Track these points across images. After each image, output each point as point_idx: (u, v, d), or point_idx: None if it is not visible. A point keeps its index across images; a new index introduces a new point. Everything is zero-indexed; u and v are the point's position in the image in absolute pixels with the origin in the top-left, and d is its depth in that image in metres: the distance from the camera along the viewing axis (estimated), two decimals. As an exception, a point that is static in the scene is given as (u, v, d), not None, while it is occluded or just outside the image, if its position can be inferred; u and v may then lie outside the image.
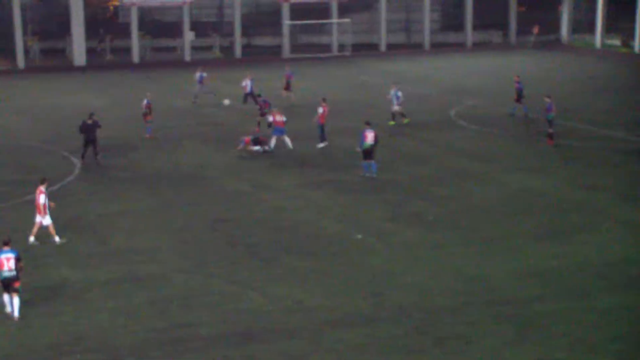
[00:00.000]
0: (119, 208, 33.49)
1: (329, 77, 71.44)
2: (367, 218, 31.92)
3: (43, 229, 29.25)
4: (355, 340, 21.84)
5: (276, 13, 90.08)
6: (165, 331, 22.47)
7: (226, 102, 53.63)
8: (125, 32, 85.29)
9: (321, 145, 43.41)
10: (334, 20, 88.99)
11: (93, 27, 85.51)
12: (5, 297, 23.31)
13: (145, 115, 46.04)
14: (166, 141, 45.10)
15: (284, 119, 42.56)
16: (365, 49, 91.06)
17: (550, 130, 43.00)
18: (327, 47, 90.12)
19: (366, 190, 35.69)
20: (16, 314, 23.08)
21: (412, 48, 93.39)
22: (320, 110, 43.69)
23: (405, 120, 48.76)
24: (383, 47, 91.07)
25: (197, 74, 58.07)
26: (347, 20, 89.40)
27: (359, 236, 29.75)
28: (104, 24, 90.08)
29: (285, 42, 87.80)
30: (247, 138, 42.26)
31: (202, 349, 21.48)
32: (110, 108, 55.69)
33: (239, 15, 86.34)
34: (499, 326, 22.52)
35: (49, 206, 29.21)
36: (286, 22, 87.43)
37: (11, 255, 23.25)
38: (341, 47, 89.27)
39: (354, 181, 37.10)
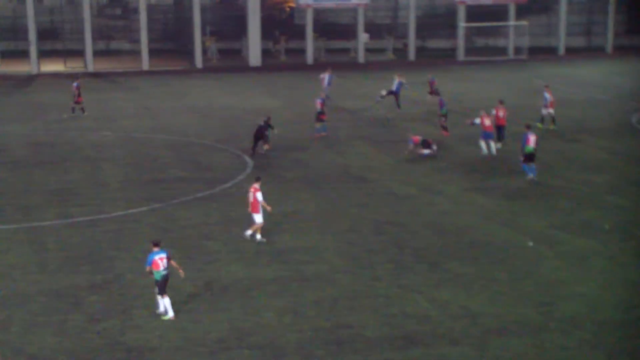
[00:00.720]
0: (287, 208, 33.81)
1: (502, 81, 70.24)
2: (536, 225, 31.16)
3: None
4: (522, 350, 21.31)
5: (452, 15, 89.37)
6: (330, 331, 22.49)
7: (383, 92, 54.21)
8: (300, 33, 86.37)
9: (498, 145, 43.04)
10: (511, 22, 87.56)
11: (269, 28, 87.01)
12: (159, 298, 23.74)
13: (320, 114, 46.51)
14: (335, 142, 45.32)
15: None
16: (542, 52, 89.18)
17: None
18: (502, 50, 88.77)
19: (536, 197, 34.89)
20: (171, 313, 23.52)
21: (593, 52, 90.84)
22: (494, 112, 43.29)
23: (552, 127, 47.28)
24: (562, 51, 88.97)
25: (327, 75, 58.27)
26: (524, 22, 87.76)
27: (530, 243, 29.05)
28: (280, 26, 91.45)
29: (460, 44, 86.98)
30: (416, 137, 42.00)
31: (366, 351, 21.40)
32: (282, 109, 56.50)
33: (414, 17, 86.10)
34: (675, 343, 21.57)
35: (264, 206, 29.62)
36: (462, 24, 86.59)
37: (164, 255, 23.75)
38: (517, 50, 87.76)
39: (522, 187, 36.34)
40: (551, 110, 47.59)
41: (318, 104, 46.94)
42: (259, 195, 29.37)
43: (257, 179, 30.23)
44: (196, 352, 21.48)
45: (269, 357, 21.25)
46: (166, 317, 23.44)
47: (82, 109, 54.18)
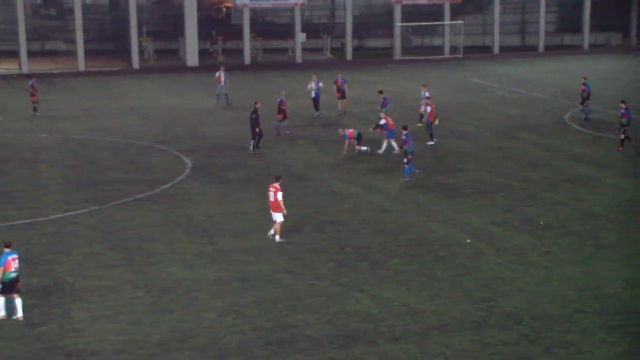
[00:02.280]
0: (229, 208, 33.75)
1: (439, 80, 70.83)
2: (476, 222, 31.47)
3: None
4: (463, 346, 21.50)
5: (388, 15, 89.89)
6: (272, 331, 22.48)
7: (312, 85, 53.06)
8: (237, 33, 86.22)
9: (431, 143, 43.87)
10: (447, 22, 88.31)
11: (206, 28, 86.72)
12: (1, 299, 23.44)
13: (279, 113, 46.49)
14: (277, 142, 45.33)
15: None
16: (477, 51, 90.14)
17: (622, 136, 42.01)
18: (439, 49, 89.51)
19: (475, 194, 35.23)
20: (20, 314, 23.33)
21: (526, 50, 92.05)
22: (428, 108, 43.80)
23: (418, 125, 47.74)
24: (496, 50, 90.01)
25: (221, 74, 58.07)
26: (459, 22, 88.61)
27: (468, 240, 29.34)
28: (217, 26, 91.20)
29: (397, 44, 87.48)
30: (350, 131, 42.21)
31: (308, 350, 21.42)
32: (221, 109, 56.39)
33: (351, 16, 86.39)
34: (611, 336, 21.88)
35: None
36: (398, 24, 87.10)
37: (15, 256, 23.53)
38: (453, 49, 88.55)
39: (462, 185, 36.69)
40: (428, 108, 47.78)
41: (278, 103, 46.87)
42: (280, 195, 29.21)
43: (277, 178, 29.95)
44: (137, 355, 21.32)
45: (211, 358, 21.17)
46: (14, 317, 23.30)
47: (35, 108, 54.02)
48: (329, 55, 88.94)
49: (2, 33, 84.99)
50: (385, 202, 34.42)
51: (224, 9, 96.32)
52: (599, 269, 26.59)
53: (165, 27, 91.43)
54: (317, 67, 74.94)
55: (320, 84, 52.74)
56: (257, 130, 43.00)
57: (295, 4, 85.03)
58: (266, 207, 29.96)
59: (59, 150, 44.65)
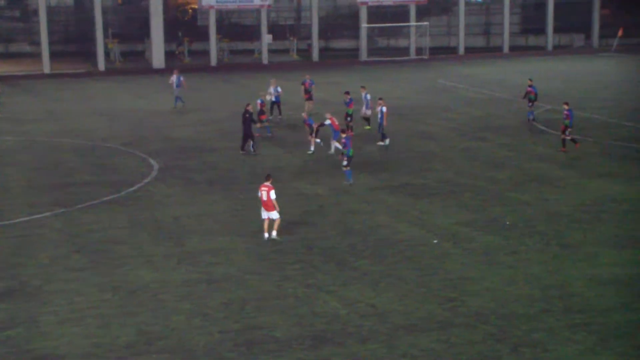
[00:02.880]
0: (195, 210, 33.72)
1: (405, 81, 71.16)
2: (442, 222, 31.64)
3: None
4: (430, 346, 21.61)
5: (354, 16, 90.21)
6: (240, 333, 22.49)
7: (267, 96, 52.36)
8: (203, 35, 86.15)
9: (381, 143, 44.31)
10: (412, 23, 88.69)
11: (172, 30, 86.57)
12: None
13: (260, 114, 46.38)
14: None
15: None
16: (443, 52, 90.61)
17: (563, 137, 42.33)
18: (404, 51, 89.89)
19: (442, 195, 35.42)
20: None
21: (491, 51, 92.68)
22: (384, 109, 44.19)
23: (367, 127, 47.99)
24: (461, 51, 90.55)
25: (174, 77, 57.30)
26: (425, 23, 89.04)
27: (435, 240, 29.50)
28: (183, 27, 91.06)
29: (363, 45, 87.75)
30: (316, 125, 42.47)
31: (276, 351, 21.45)
32: (187, 111, 56.29)
33: (317, 18, 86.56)
34: (576, 335, 22.08)
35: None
36: (364, 25, 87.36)
37: None
38: (419, 50, 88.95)
39: (429, 185, 36.88)
40: (369, 112, 47.94)
41: (258, 104, 46.83)
42: (272, 194, 29.25)
43: (268, 177, 29.94)
44: (105, 358, 21.24)
45: (180, 360, 21.20)
46: None
47: None
48: (295, 56, 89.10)
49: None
50: (352, 203, 34.51)
51: (190, 11, 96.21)
52: (564, 268, 26.83)
53: (131, 29, 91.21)
54: (283, 69, 75.03)
55: (279, 89, 52.18)
56: (247, 131, 42.89)
57: (261, 6, 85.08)
58: (234, 209, 29.97)
59: (24, 152, 44.39)
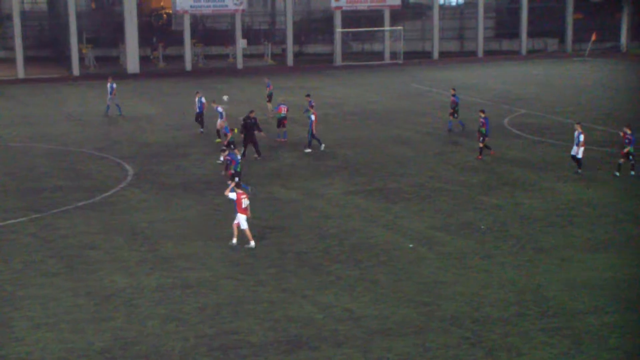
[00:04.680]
0: (169, 215, 33.64)
1: (380, 85, 71.32)
2: (417, 227, 31.71)
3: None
4: (405, 350, 21.65)
5: (328, 21, 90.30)
6: (215, 338, 22.45)
7: (225, 98, 52.06)
8: (178, 40, 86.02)
9: (308, 150, 44.39)
10: (387, 28, 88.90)
11: (146, 35, 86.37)
12: None
13: (283, 119, 46.27)
14: (217, 148, 45.19)
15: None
16: (417, 56, 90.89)
17: (481, 145, 42.48)
18: (379, 55, 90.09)
19: (416, 199, 35.50)
20: None
21: (465, 56, 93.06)
22: (313, 117, 44.35)
23: (217, 140, 46.76)
24: (436, 55, 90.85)
25: (108, 85, 56.76)
26: (399, 28, 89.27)
27: (410, 245, 29.55)
28: (157, 32, 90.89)
29: (337, 49, 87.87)
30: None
31: (251, 356, 21.42)
32: (162, 115, 56.16)
33: (291, 22, 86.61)
34: (551, 338, 22.19)
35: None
36: (338, 29, 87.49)
37: None
38: (393, 54, 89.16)
39: (403, 189, 36.96)
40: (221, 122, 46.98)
41: (283, 109, 46.66)
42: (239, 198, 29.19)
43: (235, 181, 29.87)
44: (80, 364, 21.21)
45: (155, 365, 21.13)
46: None
47: None
48: (269, 61, 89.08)
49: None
50: (326, 207, 34.53)
51: (165, 16, 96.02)
52: (538, 271, 26.95)
53: (105, 34, 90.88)
54: (258, 73, 75.04)
55: (203, 99, 50.25)
56: (250, 137, 42.52)
57: (236, 10, 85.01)
58: (208, 214, 29.95)
59: (-3, 158, 44.17)
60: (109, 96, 56.50)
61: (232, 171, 35.61)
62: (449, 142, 46.76)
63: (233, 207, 29.59)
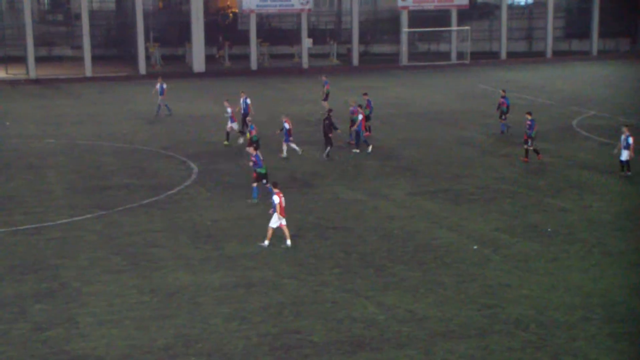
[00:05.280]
0: (234, 214, 33.73)
1: (445, 86, 70.89)
2: (481, 229, 31.42)
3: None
4: (469, 353, 21.44)
5: (395, 20, 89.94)
6: (277, 337, 22.46)
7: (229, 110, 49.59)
8: (244, 39, 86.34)
9: (356, 150, 44.15)
10: (453, 27, 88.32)
11: (212, 34, 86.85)
12: None
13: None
14: (281, 147, 45.22)
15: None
16: (484, 57, 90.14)
17: (526, 147, 41.72)
18: (445, 55, 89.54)
19: (481, 201, 35.18)
20: None
21: (534, 56, 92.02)
22: (360, 117, 44.08)
23: (225, 143, 46.53)
24: (503, 55, 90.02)
25: (158, 85, 56.79)
26: (466, 27, 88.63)
27: (475, 247, 29.28)
28: (223, 31, 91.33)
29: (403, 49, 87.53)
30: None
31: (313, 356, 21.39)
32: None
33: (357, 22, 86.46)
34: (617, 344, 21.81)
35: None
36: (404, 29, 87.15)
37: None
38: (460, 55, 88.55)
39: (468, 191, 36.64)
40: (235, 125, 46.71)
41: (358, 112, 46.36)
42: (277, 199, 29.23)
43: (275, 185, 29.92)
44: (143, 360, 21.36)
45: (217, 364, 21.19)
46: None
47: None
48: (335, 60, 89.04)
49: (10, 38, 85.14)
50: (391, 208, 34.37)
51: (231, 15, 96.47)
52: (605, 276, 26.53)
53: (172, 33, 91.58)
54: (323, 73, 74.96)
55: (248, 100, 49.58)
56: (330, 136, 42.87)
57: (302, 10, 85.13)
58: (270, 214, 29.89)
59: (65, 155, 44.70)
60: (159, 97, 56.76)
61: (256, 173, 35.20)
62: (514, 144, 46.23)
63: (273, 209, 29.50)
